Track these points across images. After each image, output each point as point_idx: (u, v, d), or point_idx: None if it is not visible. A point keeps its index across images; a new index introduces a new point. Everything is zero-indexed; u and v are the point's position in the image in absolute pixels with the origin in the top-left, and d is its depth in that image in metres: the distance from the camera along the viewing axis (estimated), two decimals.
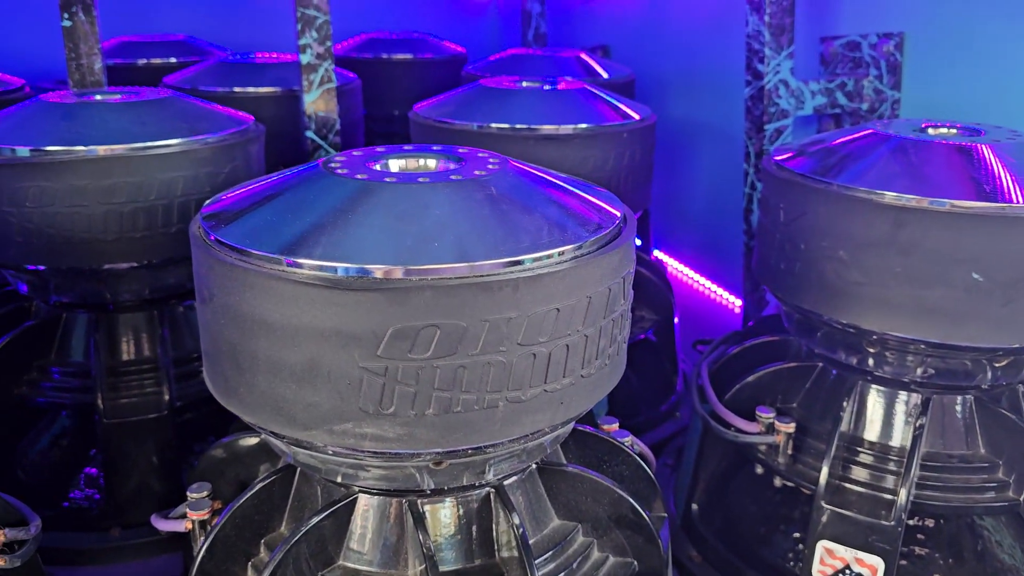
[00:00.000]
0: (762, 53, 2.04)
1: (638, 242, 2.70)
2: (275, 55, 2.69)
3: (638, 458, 1.35)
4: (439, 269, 0.92)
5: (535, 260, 0.96)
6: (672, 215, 3.04)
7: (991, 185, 1.27)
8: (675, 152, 2.93)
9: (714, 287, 2.89)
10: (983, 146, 1.36)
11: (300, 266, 0.94)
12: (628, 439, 1.39)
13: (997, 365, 1.37)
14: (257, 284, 0.96)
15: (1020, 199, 1.25)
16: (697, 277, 3.01)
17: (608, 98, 1.99)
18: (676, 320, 2.17)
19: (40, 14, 3.32)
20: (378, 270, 0.92)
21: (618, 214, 1.13)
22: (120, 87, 1.89)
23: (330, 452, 1.03)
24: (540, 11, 3.50)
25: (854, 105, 2.12)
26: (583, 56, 2.73)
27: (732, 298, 2.77)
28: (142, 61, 2.93)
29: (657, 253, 3.13)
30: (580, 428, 1.34)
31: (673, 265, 3.13)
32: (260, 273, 0.95)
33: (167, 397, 1.67)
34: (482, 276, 0.93)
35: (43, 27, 3.27)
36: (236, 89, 2.36)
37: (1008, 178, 1.29)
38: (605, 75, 2.61)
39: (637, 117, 1.92)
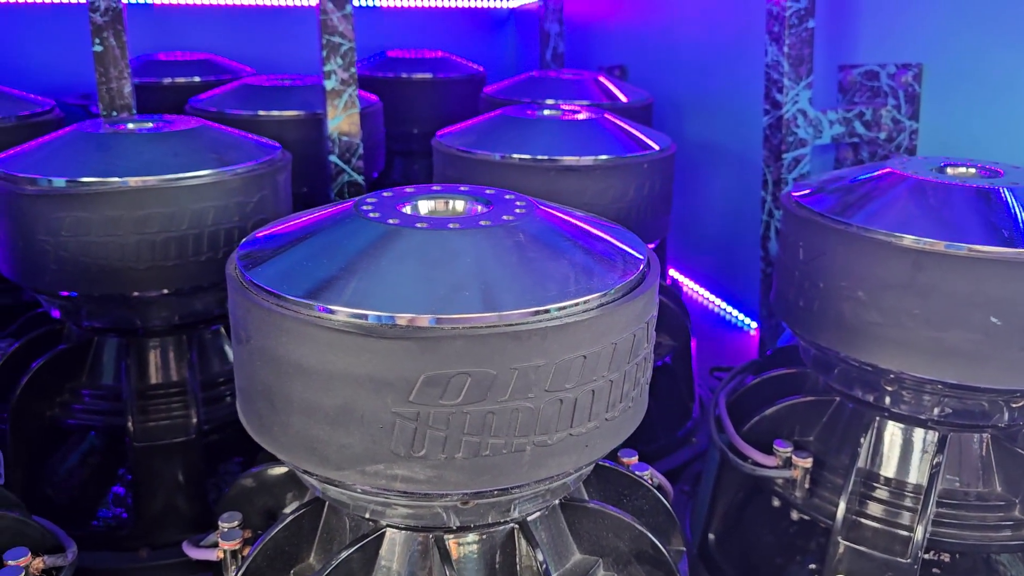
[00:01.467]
0: (781, 83, 2.06)
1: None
2: (299, 76, 2.73)
3: (657, 492, 1.37)
4: (469, 319, 0.95)
5: (561, 309, 0.99)
6: (688, 236, 3.06)
7: (1010, 230, 1.29)
8: (692, 174, 2.95)
9: (730, 309, 2.91)
10: (1002, 188, 1.37)
11: (333, 312, 0.97)
12: (647, 472, 1.41)
13: (1014, 406, 1.38)
14: (292, 329, 0.99)
15: None
16: (712, 298, 3.03)
17: (628, 127, 2.01)
18: (693, 345, 2.19)
19: (63, 30, 3.38)
20: (410, 319, 0.95)
21: (642, 258, 1.16)
22: (151, 115, 1.93)
23: (359, 491, 1.06)
24: (558, 31, 3.53)
25: (872, 134, 2.14)
26: (601, 79, 2.75)
27: (748, 320, 2.79)
28: (167, 80, 2.98)
29: (673, 273, 3.15)
30: (601, 463, 1.36)
31: (688, 285, 3.15)
32: (295, 318, 0.98)
33: (195, 420, 1.71)
34: (511, 325, 0.95)
35: (67, 43, 3.34)
36: (261, 113, 2.40)
37: None
38: (624, 99, 2.63)
39: (657, 148, 1.95)
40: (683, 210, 3.03)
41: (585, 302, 1.01)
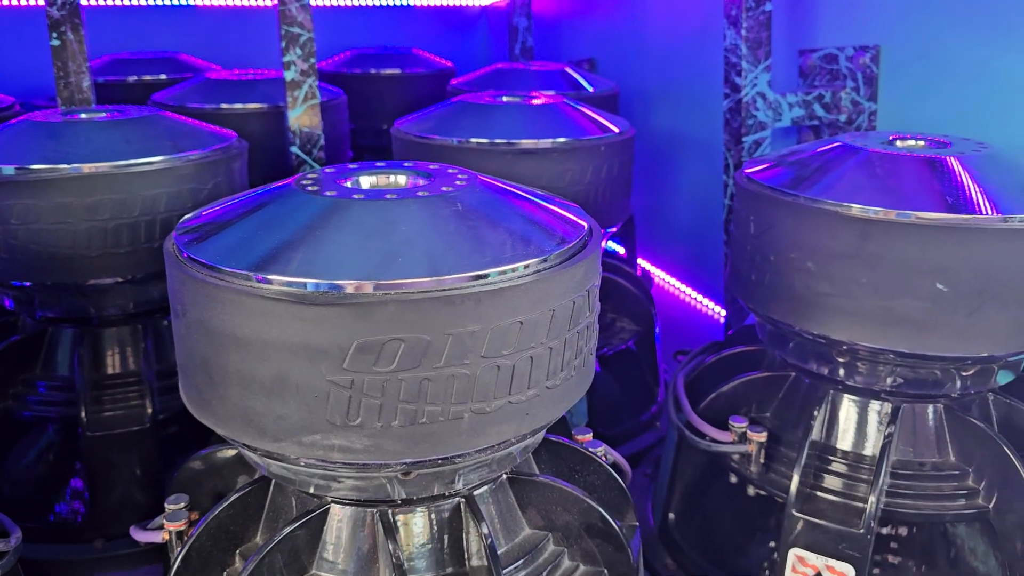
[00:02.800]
0: (739, 66, 2.07)
1: (621, 251, 2.74)
2: (261, 72, 2.72)
3: (610, 468, 1.37)
4: (404, 284, 0.94)
5: (499, 274, 0.98)
6: (657, 225, 3.07)
7: (956, 197, 1.29)
8: (659, 163, 2.96)
9: (699, 297, 2.92)
10: (949, 158, 1.38)
11: (269, 282, 0.96)
12: (601, 449, 1.41)
13: (965, 374, 1.39)
14: (227, 300, 0.98)
15: (985, 210, 1.27)
16: (682, 287, 3.03)
17: (588, 112, 2.01)
18: (657, 330, 2.19)
19: (30, 32, 3.36)
20: (346, 285, 0.94)
21: (584, 226, 1.16)
22: (106, 105, 1.92)
23: (302, 464, 1.05)
24: (527, 25, 3.54)
25: (832, 117, 2.14)
26: (568, 70, 2.75)
27: (716, 308, 2.79)
28: (132, 78, 2.96)
29: (642, 263, 3.15)
30: (553, 439, 1.36)
31: (658, 275, 3.15)
32: (230, 289, 0.97)
33: (150, 410, 1.69)
34: (445, 290, 0.95)
35: (34, 45, 3.31)
36: (223, 106, 2.39)
37: (974, 189, 1.31)
38: (590, 88, 2.64)
39: (616, 131, 1.95)
40: (652, 200, 3.03)
41: (523, 267, 1.00)
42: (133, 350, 1.75)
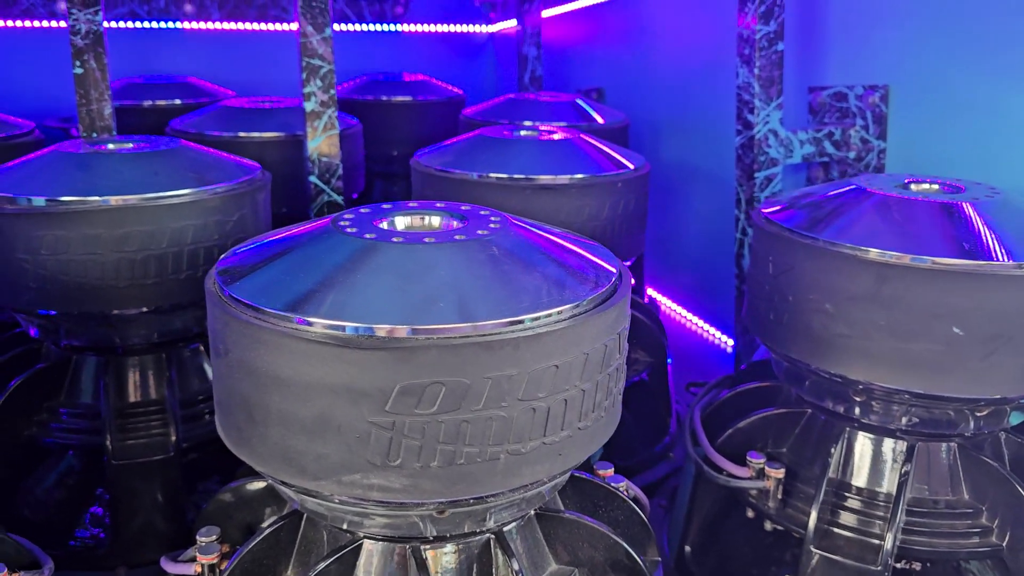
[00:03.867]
0: (752, 104, 2.11)
1: (631, 283, 2.77)
2: (278, 99, 2.76)
3: (632, 503, 1.39)
4: (444, 329, 0.97)
5: (534, 319, 1.01)
6: (666, 255, 3.10)
7: (971, 243, 1.33)
8: (669, 194, 3.00)
9: (707, 327, 2.95)
10: (964, 204, 1.41)
11: (311, 324, 0.99)
12: (623, 484, 1.43)
13: (979, 415, 1.42)
14: (270, 341, 1.00)
15: (999, 257, 1.31)
16: (690, 316, 3.06)
17: (603, 147, 2.05)
18: (670, 362, 2.22)
19: (44, 54, 3.40)
20: (386, 329, 0.97)
21: (614, 271, 1.19)
22: (131, 135, 1.95)
23: (337, 501, 1.07)
24: (536, 55, 3.58)
25: (841, 154, 2.18)
26: (578, 101, 2.80)
27: (725, 337, 2.82)
28: (148, 103, 3.00)
29: (651, 292, 3.18)
30: (577, 474, 1.39)
31: (666, 304, 3.18)
32: (274, 331, 1.00)
33: (174, 438, 1.71)
34: (484, 335, 0.98)
35: (48, 67, 3.35)
36: (241, 134, 2.42)
37: (988, 236, 1.35)
38: (600, 120, 2.68)
39: (631, 167, 1.99)
40: (660, 230, 3.07)
41: (558, 312, 1.03)
42: (157, 379, 1.77)
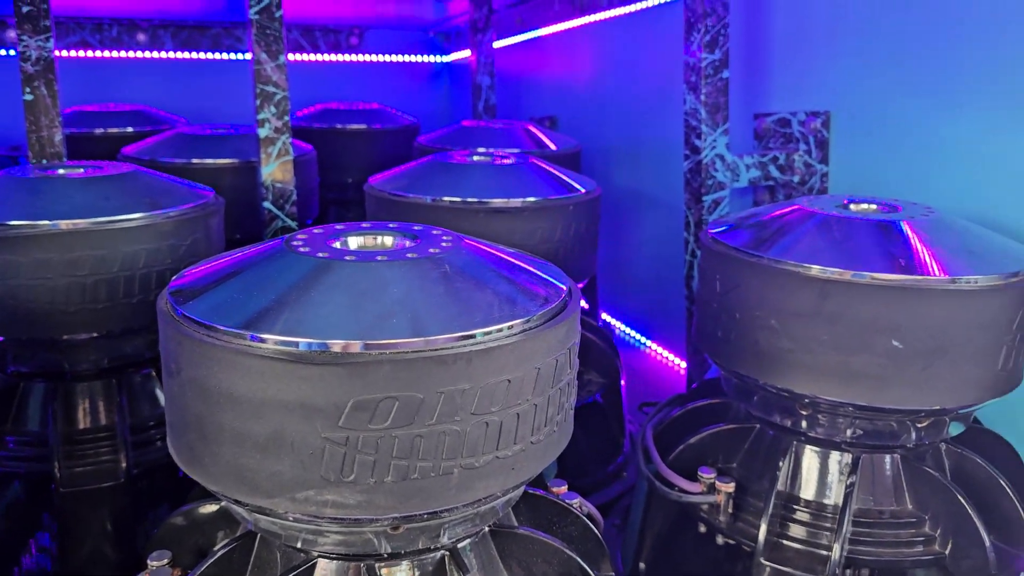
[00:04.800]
0: (699, 130, 2.17)
1: (585, 306, 2.80)
2: (232, 126, 2.76)
3: (586, 519, 1.41)
4: (397, 344, 0.99)
5: (486, 334, 1.03)
6: (619, 280, 3.15)
7: (907, 259, 1.38)
8: (621, 219, 3.05)
9: (660, 349, 2.99)
10: (901, 222, 1.47)
11: (264, 341, 0.99)
12: (576, 501, 1.45)
13: (920, 426, 1.46)
14: (224, 358, 1.01)
15: (934, 272, 1.36)
16: (644, 339, 3.10)
17: (555, 172, 2.09)
18: (623, 383, 2.25)
19: None
20: (340, 345, 0.98)
21: (564, 288, 1.21)
22: (82, 161, 1.94)
23: (291, 519, 1.07)
24: (489, 84, 3.63)
25: (786, 177, 2.25)
26: (531, 128, 2.84)
27: (676, 359, 2.86)
28: (99, 131, 2.98)
29: (605, 316, 3.22)
30: (531, 491, 1.40)
31: (620, 327, 3.22)
32: (226, 348, 1.00)
33: (124, 465, 1.69)
34: (437, 350, 0.99)
35: None
36: (194, 160, 2.42)
37: (924, 252, 1.40)
38: (553, 146, 2.72)
39: (583, 190, 2.02)
40: (613, 254, 3.11)
41: (509, 327, 1.05)
42: (107, 405, 1.75)
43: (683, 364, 2.76)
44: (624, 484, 2.14)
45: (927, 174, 1.90)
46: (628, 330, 3.21)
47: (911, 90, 1.95)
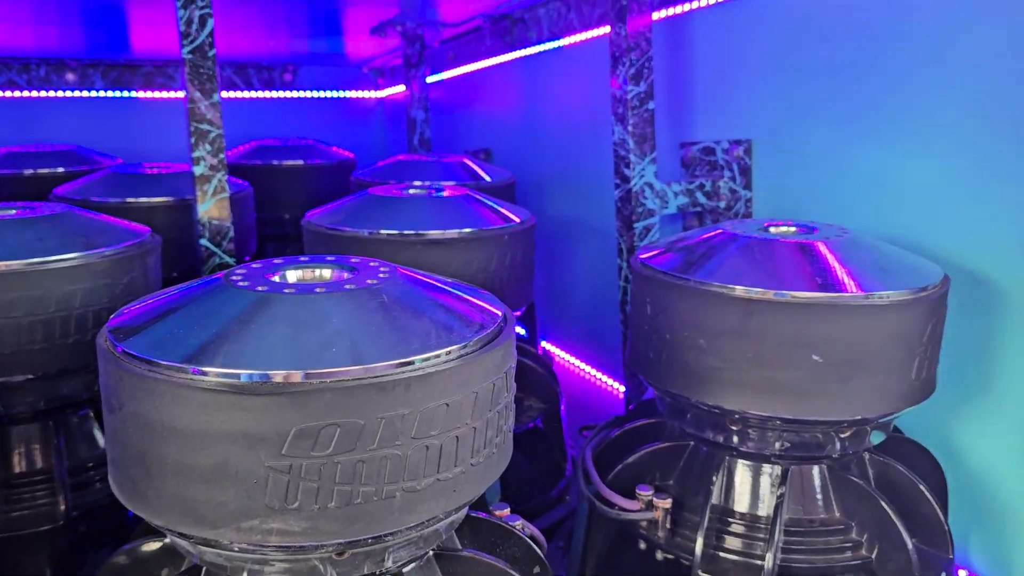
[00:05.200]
0: (628, 159, 2.24)
1: (523, 332, 2.85)
2: (166, 165, 2.76)
3: (529, 540, 1.44)
4: (337, 372, 1.02)
5: (424, 360, 1.07)
6: (557, 308, 3.20)
7: (824, 277, 1.45)
8: (557, 248, 3.11)
9: (599, 374, 3.05)
10: (817, 242, 1.55)
11: (206, 374, 1.02)
12: (519, 523, 1.48)
13: (843, 436, 1.53)
14: (166, 392, 1.02)
15: (849, 289, 1.43)
16: (583, 366, 3.16)
17: (490, 203, 2.14)
18: (563, 408, 2.29)
19: None
20: (281, 375, 1.00)
21: (499, 314, 1.26)
22: (14, 202, 1.92)
23: (236, 549, 1.08)
24: (424, 118, 3.69)
25: (713, 203, 2.33)
26: (466, 161, 2.90)
27: (615, 384, 2.92)
28: (29, 171, 2.94)
29: (545, 344, 3.27)
30: (473, 514, 1.43)
31: (560, 355, 3.27)
32: (168, 382, 1.02)
33: (63, 508, 1.67)
34: (376, 377, 1.02)
35: None
36: (129, 199, 2.41)
37: (840, 270, 1.48)
38: (488, 178, 2.78)
39: (517, 220, 2.08)
40: (550, 283, 3.17)
41: (447, 353, 1.09)
42: (44, 447, 1.73)
43: (622, 388, 2.82)
44: (567, 507, 2.18)
45: (842, 197, 2.00)
46: (568, 357, 3.27)
47: (826, 119, 2.06)
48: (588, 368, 3.13)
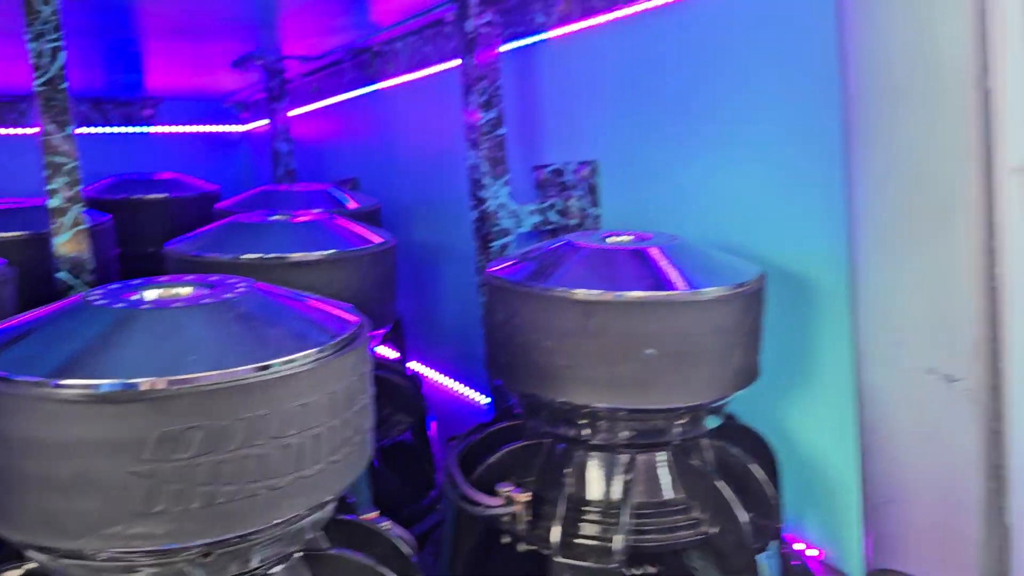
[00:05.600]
0: (482, 182, 2.37)
1: (395, 355, 2.92)
2: (19, 200, 2.70)
3: (397, 540, 1.51)
4: (199, 377, 1.08)
5: (282, 363, 1.14)
6: (426, 329, 3.29)
7: (655, 279, 1.60)
8: (423, 272, 3.21)
9: (469, 391, 3.15)
10: (650, 248, 1.70)
11: (66, 386, 1.06)
12: (386, 524, 1.56)
13: (681, 422, 1.68)
14: (25, 408, 1.06)
15: (679, 287, 1.59)
16: (454, 384, 3.25)
17: (351, 226, 2.21)
18: (432, 423, 2.38)
19: None
20: (146, 382, 1.05)
21: (355, 321, 1.34)
22: None
23: (101, 558, 1.12)
24: (288, 150, 3.73)
25: (565, 221, 2.48)
26: (330, 190, 2.96)
27: (485, 399, 3.02)
28: None
29: (416, 365, 3.34)
30: (342, 518, 1.49)
31: (431, 375, 3.36)
32: (27, 397, 1.06)
33: None
34: (237, 380, 1.09)
35: None
36: None
37: (671, 271, 1.63)
38: (353, 205, 2.85)
39: (378, 241, 2.16)
40: (419, 305, 3.26)
41: (303, 356, 1.16)
42: None
43: (487, 400, 2.92)
44: (439, 516, 2.25)
45: (677, 209, 2.18)
46: (440, 376, 3.35)
47: (662, 140, 2.24)
48: (459, 386, 3.22)
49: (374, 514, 1.57)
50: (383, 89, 3.41)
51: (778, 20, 1.89)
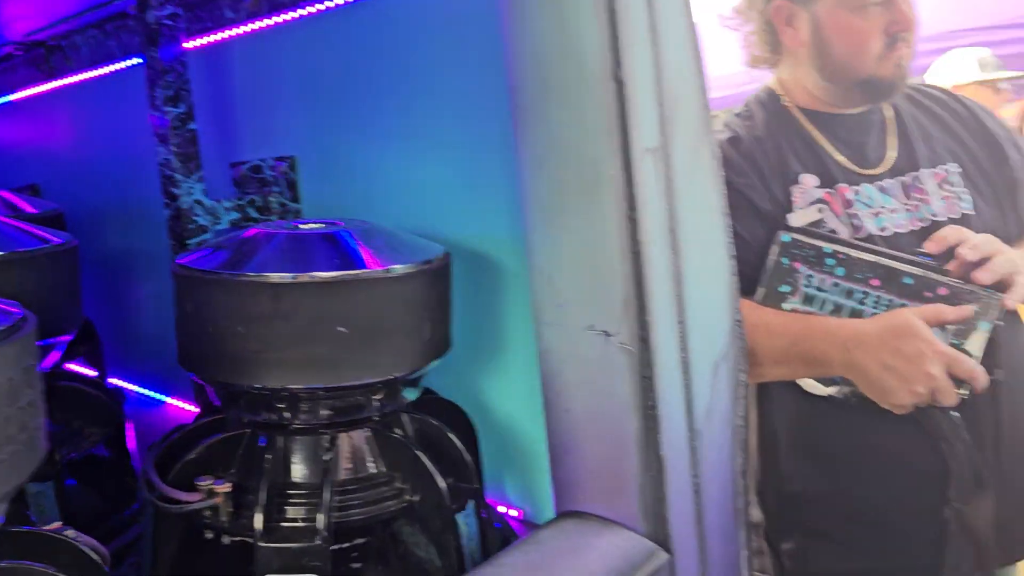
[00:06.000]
0: (174, 178, 2.30)
1: (93, 373, 2.74)
2: None
3: (79, 545, 1.44)
4: None
5: None
6: (126, 343, 3.11)
7: (343, 259, 1.65)
8: (119, 281, 3.03)
9: (179, 403, 3.02)
10: (339, 232, 1.75)
11: None
12: (70, 532, 1.47)
13: (378, 397, 1.73)
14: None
15: (368, 265, 1.65)
16: (164, 398, 3.10)
17: (25, 228, 2.06)
18: (129, 432, 2.26)
19: None
20: None
21: (17, 314, 1.26)
22: None
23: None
24: None
25: (264, 217, 2.47)
26: (6, 195, 2.73)
27: (193, 407, 2.92)
28: None
29: (117, 381, 3.15)
30: (17, 529, 1.39)
31: (137, 390, 3.18)
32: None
33: None
34: None
35: None
36: None
37: (359, 253, 1.69)
38: (32, 210, 2.64)
39: (55, 242, 2.03)
40: (117, 318, 3.08)
41: None
42: None
43: (196, 409, 2.83)
44: (143, 526, 2.15)
45: (374, 199, 2.25)
46: (147, 392, 3.18)
47: (356, 134, 2.30)
48: (169, 399, 3.08)
49: (56, 525, 1.48)
50: (65, 87, 3.18)
51: (459, 22, 2.02)
